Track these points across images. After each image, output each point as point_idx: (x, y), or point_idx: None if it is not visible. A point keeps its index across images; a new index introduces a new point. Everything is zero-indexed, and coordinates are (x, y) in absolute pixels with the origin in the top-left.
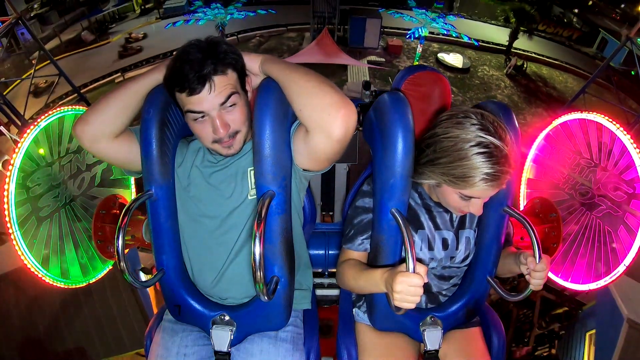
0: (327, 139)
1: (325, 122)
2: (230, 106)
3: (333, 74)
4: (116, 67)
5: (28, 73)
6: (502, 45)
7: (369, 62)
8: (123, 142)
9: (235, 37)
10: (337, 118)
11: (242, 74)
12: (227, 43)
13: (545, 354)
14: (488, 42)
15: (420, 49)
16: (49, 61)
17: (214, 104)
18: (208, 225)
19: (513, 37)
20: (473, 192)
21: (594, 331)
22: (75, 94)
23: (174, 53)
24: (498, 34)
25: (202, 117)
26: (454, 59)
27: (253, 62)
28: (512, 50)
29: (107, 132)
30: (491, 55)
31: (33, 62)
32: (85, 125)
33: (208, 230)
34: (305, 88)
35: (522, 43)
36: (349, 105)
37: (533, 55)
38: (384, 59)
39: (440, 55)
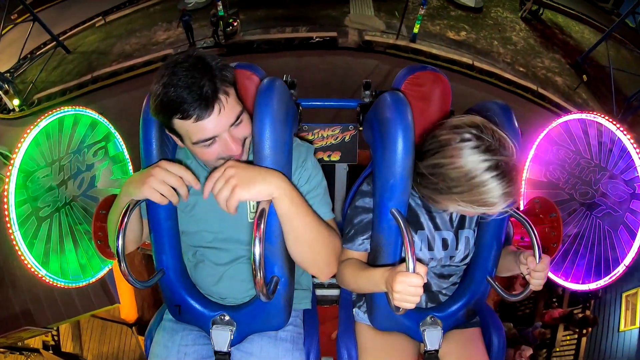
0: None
1: (311, 272)
2: (239, 123)
3: (333, 6)
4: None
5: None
6: None
7: None
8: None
9: None
10: (321, 275)
11: (236, 87)
12: (206, 54)
13: (580, 316)
14: None
15: None
16: (28, 14)
17: (225, 126)
18: (208, 237)
19: None
20: (490, 210)
21: (634, 291)
22: (54, 42)
23: (155, 77)
24: None
25: (212, 142)
26: None
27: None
28: None
29: (131, 246)
30: None
31: (12, 17)
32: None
33: (207, 240)
34: (301, 240)
35: None
36: (333, 267)
37: (549, 2)
38: None
39: None
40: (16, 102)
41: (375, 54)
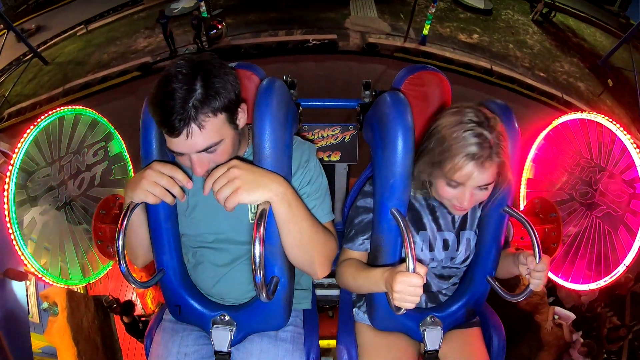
0: (307, 272)
1: (305, 271)
2: (212, 151)
3: (332, 9)
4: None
5: None
6: None
7: None
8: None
9: None
10: (314, 276)
11: (234, 109)
12: (218, 65)
13: None
14: None
15: None
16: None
17: (191, 150)
18: (208, 238)
19: None
20: (455, 172)
21: None
22: (32, 54)
23: (159, 79)
24: None
25: (182, 154)
26: None
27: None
28: None
29: (145, 254)
30: (513, 0)
31: None
32: (135, 262)
33: (208, 241)
34: (297, 243)
35: None
36: (327, 269)
37: (559, 4)
38: None
39: None
40: None
41: (381, 58)
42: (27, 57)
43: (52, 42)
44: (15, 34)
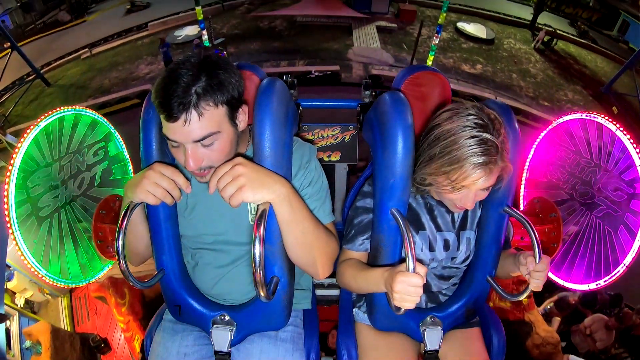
0: (309, 273)
1: (307, 272)
2: (209, 144)
3: (335, 39)
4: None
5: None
6: (525, 19)
7: (378, 27)
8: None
9: (221, 5)
10: (315, 276)
11: (235, 106)
12: (226, 62)
13: None
14: (510, 15)
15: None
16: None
17: (187, 138)
18: (208, 239)
19: (538, 10)
20: (463, 180)
21: None
22: (34, 74)
23: (168, 67)
24: (519, 11)
25: (177, 145)
26: (476, 29)
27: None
28: (537, 25)
29: (142, 252)
30: (515, 29)
31: (5, 45)
32: (131, 261)
33: (207, 242)
34: (299, 243)
35: (546, 20)
36: (328, 270)
37: (559, 32)
38: (395, 25)
39: (460, 25)
40: None
41: (384, 90)
42: (30, 78)
43: (55, 63)
44: (19, 53)
